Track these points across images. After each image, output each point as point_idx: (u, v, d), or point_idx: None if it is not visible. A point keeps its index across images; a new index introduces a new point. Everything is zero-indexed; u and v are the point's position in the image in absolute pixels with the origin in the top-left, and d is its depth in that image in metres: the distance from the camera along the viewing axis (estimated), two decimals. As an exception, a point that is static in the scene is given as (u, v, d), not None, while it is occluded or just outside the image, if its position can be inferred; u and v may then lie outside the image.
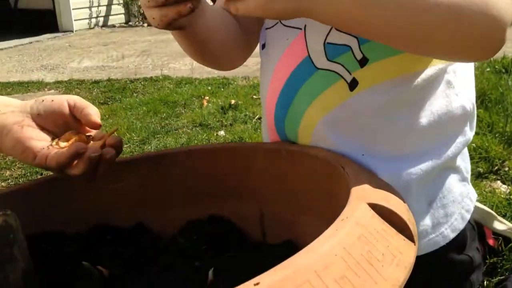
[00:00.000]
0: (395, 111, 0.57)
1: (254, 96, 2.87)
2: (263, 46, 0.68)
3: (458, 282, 0.61)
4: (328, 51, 0.57)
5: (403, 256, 0.39)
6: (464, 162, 0.63)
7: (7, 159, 2.15)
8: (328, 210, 0.59)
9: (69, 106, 0.61)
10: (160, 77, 3.80)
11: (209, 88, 3.26)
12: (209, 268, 0.57)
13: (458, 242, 0.61)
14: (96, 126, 0.60)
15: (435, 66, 0.56)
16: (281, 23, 0.63)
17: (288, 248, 0.63)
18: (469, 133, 0.62)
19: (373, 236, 0.39)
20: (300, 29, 0.60)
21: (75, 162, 0.57)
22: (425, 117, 0.57)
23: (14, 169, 2.05)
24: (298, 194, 0.63)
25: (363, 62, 0.56)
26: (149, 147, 2.22)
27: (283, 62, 0.62)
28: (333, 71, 0.57)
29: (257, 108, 2.57)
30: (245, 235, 0.69)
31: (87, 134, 0.62)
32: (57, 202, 0.66)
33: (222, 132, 2.27)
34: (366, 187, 0.46)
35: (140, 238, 0.67)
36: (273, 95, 0.65)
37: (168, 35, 5.17)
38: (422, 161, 0.57)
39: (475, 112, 0.63)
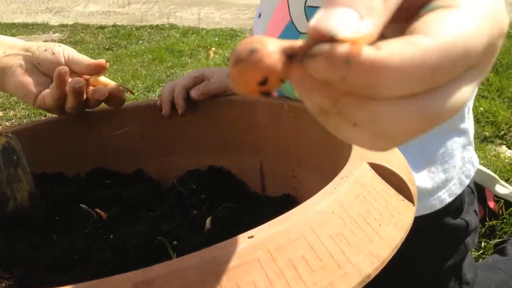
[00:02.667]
0: None
1: (261, 50, 2.81)
2: (259, 15, 0.68)
3: (453, 245, 0.61)
4: (309, 14, 0.56)
5: (401, 217, 0.39)
6: (469, 126, 0.62)
7: (11, 99, 2.15)
8: (329, 167, 0.58)
9: (65, 60, 0.64)
10: (167, 25, 3.74)
11: (216, 39, 3.20)
12: (207, 217, 0.57)
13: (455, 206, 0.61)
14: (101, 67, 0.61)
15: None
16: None
17: (287, 202, 0.63)
18: None
19: (372, 195, 0.39)
20: None
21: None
22: None
23: (18, 110, 2.05)
24: (299, 149, 0.63)
25: None
26: (154, 95, 2.21)
27: (270, 28, 0.62)
28: None
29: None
30: (244, 187, 0.69)
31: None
32: (58, 144, 0.66)
33: (227, 85, 2.26)
34: (368, 146, 0.45)
35: (139, 185, 0.67)
36: None
37: (176, -18, 4.99)
38: None
39: None
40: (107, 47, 3.17)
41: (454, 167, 0.59)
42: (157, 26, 3.72)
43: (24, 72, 0.62)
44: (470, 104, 0.61)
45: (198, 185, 0.66)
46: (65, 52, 0.64)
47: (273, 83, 0.20)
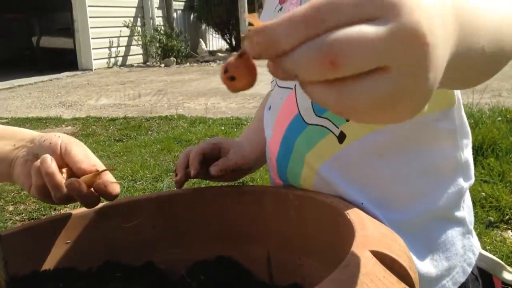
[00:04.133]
0: (383, 159, 0.59)
1: (267, 138, 2.90)
2: (269, 107, 0.74)
3: (461, 334, 0.61)
4: (315, 107, 0.61)
5: (403, 304, 0.40)
6: (467, 214, 0.64)
7: (22, 193, 2.19)
8: (334, 255, 0.60)
9: (60, 151, 0.65)
10: (175, 116, 3.87)
11: (223, 128, 3.31)
12: (215, 309, 0.58)
13: (461, 295, 0.61)
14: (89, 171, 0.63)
15: (424, 115, 0.58)
16: (277, 84, 0.68)
17: (294, 291, 0.64)
18: (463, 183, 0.63)
19: (374, 283, 0.40)
20: (291, 88, 0.64)
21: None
22: (410, 166, 0.59)
23: (29, 203, 2.08)
24: (304, 238, 0.64)
25: None
26: (161, 184, 2.25)
27: (278, 119, 0.67)
28: (322, 126, 0.61)
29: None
30: (252, 277, 0.70)
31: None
32: (70, 239, 0.68)
33: (233, 173, 2.30)
34: (369, 234, 0.47)
35: (149, 277, 0.68)
36: (274, 150, 0.69)
37: (184, 76, 5.29)
38: (412, 211, 0.59)
39: (470, 162, 0.64)
40: (117, 138, 3.28)
41: (456, 254, 0.60)
42: (166, 117, 3.86)
43: (24, 162, 0.65)
44: (466, 196, 0.64)
45: (206, 276, 0.67)
46: (63, 143, 0.65)
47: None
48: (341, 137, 0.60)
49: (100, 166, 0.67)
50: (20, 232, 0.66)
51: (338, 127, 0.60)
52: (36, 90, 5.80)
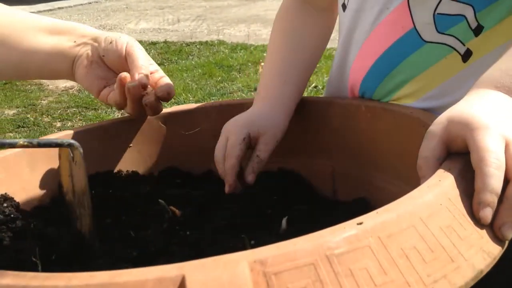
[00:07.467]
0: None
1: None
2: (343, 7, 0.64)
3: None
4: (438, 22, 0.54)
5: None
6: None
7: (68, 111, 2.22)
8: (408, 169, 0.56)
9: (125, 55, 0.63)
10: (216, 41, 3.80)
11: (265, 54, 3.23)
12: (281, 217, 0.56)
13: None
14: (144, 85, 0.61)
15: None
16: None
17: (361, 206, 0.61)
18: None
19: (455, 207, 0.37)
20: None
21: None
22: None
23: (75, 121, 2.12)
24: (375, 152, 0.61)
25: (478, 30, 0.53)
26: (204, 108, 2.25)
27: (380, 32, 0.59)
28: (444, 44, 0.54)
29: (312, 76, 2.53)
30: (314, 190, 0.67)
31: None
32: (132, 143, 0.67)
33: (277, 99, 2.26)
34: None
35: (209, 185, 0.67)
36: (363, 64, 0.62)
37: (222, 2, 5.17)
38: None
39: None
40: (159, 62, 3.26)
41: None
42: (206, 42, 3.79)
43: (90, 64, 0.63)
44: None
45: (268, 186, 0.65)
46: (128, 46, 0.63)
47: None
48: (466, 55, 0.54)
49: (160, 70, 0.66)
50: (85, 131, 0.64)
51: (464, 45, 0.54)
52: (76, 13, 5.78)
